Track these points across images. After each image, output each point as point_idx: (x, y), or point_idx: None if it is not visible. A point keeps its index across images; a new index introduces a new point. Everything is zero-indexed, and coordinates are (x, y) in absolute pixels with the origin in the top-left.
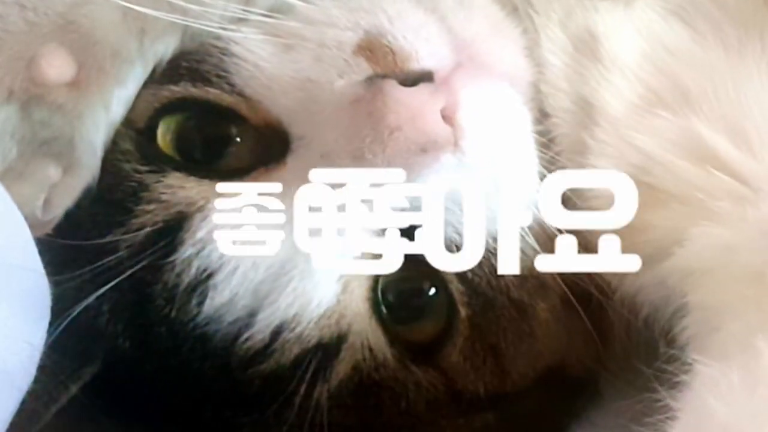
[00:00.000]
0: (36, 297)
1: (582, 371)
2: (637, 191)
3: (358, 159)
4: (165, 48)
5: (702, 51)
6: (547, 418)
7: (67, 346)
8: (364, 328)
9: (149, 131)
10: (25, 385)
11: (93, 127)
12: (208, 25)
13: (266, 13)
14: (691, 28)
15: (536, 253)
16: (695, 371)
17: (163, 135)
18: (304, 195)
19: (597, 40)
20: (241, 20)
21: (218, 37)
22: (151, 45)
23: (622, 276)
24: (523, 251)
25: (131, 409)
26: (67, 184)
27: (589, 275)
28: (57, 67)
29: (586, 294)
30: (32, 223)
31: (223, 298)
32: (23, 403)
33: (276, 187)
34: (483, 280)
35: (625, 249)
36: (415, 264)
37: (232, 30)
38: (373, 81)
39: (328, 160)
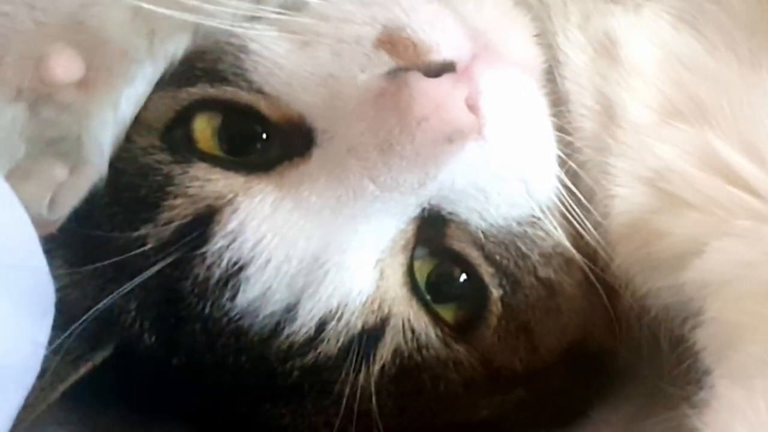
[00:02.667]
0: (40, 295)
1: (601, 347)
2: (653, 199)
3: (385, 151)
4: (176, 48)
5: (715, 63)
6: (573, 392)
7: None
8: (405, 310)
9: (173, 131)
10: (29, 382)
11: (101, 126)
12: (221, 23)
13: (279, 10)
14: (702, 37)
15: (557, 232)
16: (717, 393)
17: (203, 132)
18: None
19: (616, 44)
20: (254, 18)
21: (234, 35)
22: (161, 45)
23: (633, 275)
24: (545, 231)
25: (151, 400)
26: (74, 184)
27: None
28: (65, 66)
29: (600, 280)
30: (38, 223)
31: (256, 291)
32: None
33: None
34: (511, 262)
35: (642, 252)
36: (443, 251)
37: (245, 28)
38: (396, 74)
39: (354, 153)
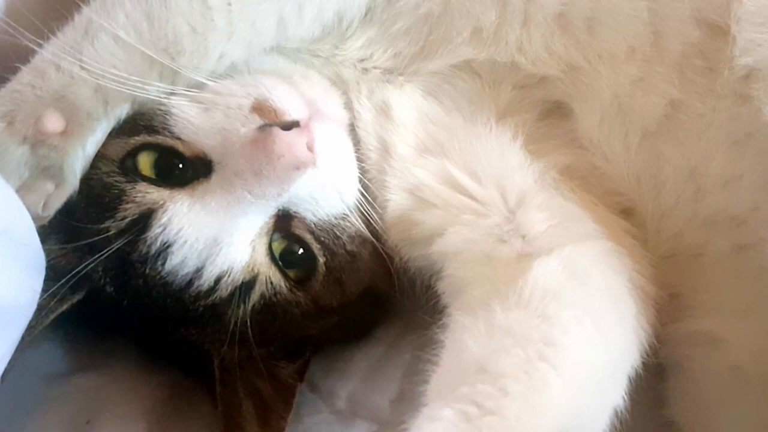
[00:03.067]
0: (36, 261)
1: (383, 291)
2: (413, 202)
3: (257, 175)
4: (121, 111)
5: (449, 119)
6: (365, 318)
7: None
8: (267, 271)
9: (125, 162)
10: (29, 315)
11: (75, 160)
12: (150, 95)
13: (187, 89)
14: (441, 104)
15: (357, 223)
16: (454, 320)
17: (144, 164)
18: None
19: (389, 107)
20: (173, 93)
21: (161, 103)
22: (112, 109)
23: (400, 248)
24: (351, 222)
25: (112, 327)
26: (58, 195)
27: (384, 242)
28: (53, 123)
29: (384, 251)
30: (35, 218)
31: (177, 260)
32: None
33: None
34: (330, 241)
35: (405, 234)
36: (290, 235)
37: (169, 99)
38: (264, 128)
39: (238, 176)
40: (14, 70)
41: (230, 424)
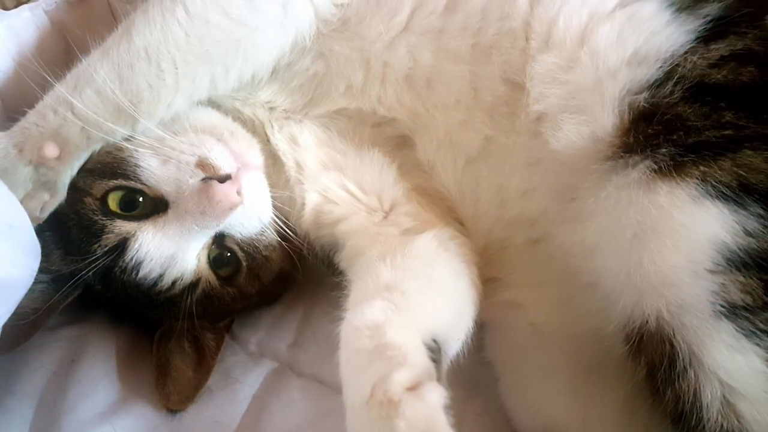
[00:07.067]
0: (34, 250)
1: (289, 273)
2: (323, 199)
3: (203, 213)
4: (98, 145)
5: (340, 144)
6: (274, 294)
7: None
8: (207, 274)
9: (103, 201)
10: (28, 286)
11: (65, 177)
12: (116, 138)
13: (144, 138)
14: (333, 133)
15: (271, 234)
16: (352, 284)
17: (112, 202)
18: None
19: (296, 137)
20: (131, 138)
21: (132, 156)
22: (92, 144)
23: (310, 231)
24: (266, 235)
25: (101, 309)
26: (52, 202)
27: (296, 233)
28: (51, 151)
29: (290, 249)
30: (33, 219)
31: (146, 271)
32: (47, 303)
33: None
34: (252, 249)
35: (316, 222)
36: (222, 246)
37: (137, 149)
38: (206, 180)
39: (188, 213)
40: (23, 113)
41: (162, 370)
